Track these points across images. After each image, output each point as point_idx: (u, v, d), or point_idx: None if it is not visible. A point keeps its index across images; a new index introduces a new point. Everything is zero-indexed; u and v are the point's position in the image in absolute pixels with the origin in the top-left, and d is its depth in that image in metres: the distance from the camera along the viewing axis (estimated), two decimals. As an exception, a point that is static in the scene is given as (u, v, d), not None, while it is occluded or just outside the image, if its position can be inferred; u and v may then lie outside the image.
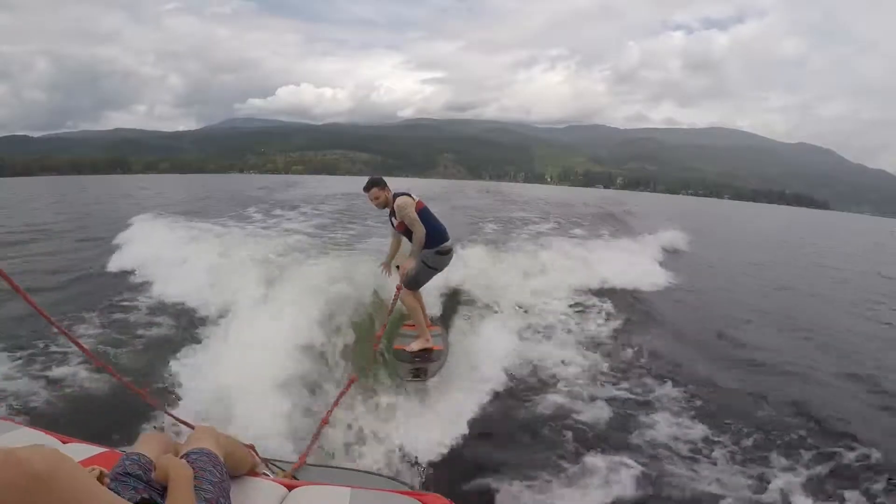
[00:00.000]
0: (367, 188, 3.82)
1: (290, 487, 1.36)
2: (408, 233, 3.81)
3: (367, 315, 4.59)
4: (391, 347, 3.95)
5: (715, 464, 3.03)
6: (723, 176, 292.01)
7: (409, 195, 3.82)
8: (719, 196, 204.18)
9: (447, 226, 3.97)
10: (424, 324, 3.93)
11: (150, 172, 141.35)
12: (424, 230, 3.64)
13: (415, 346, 3.85)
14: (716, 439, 3.30)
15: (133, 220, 9.77)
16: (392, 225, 3.97)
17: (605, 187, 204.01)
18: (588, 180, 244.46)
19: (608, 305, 6.33)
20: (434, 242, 3.78)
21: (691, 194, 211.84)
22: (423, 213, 3.78)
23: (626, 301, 6.77)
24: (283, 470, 1.64)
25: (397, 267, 4.03)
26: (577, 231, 12.21)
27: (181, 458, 1.21)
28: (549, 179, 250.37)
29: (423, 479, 2.73)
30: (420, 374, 3.53)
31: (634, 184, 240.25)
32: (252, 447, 1.69)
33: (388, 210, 3.87)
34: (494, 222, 12.96)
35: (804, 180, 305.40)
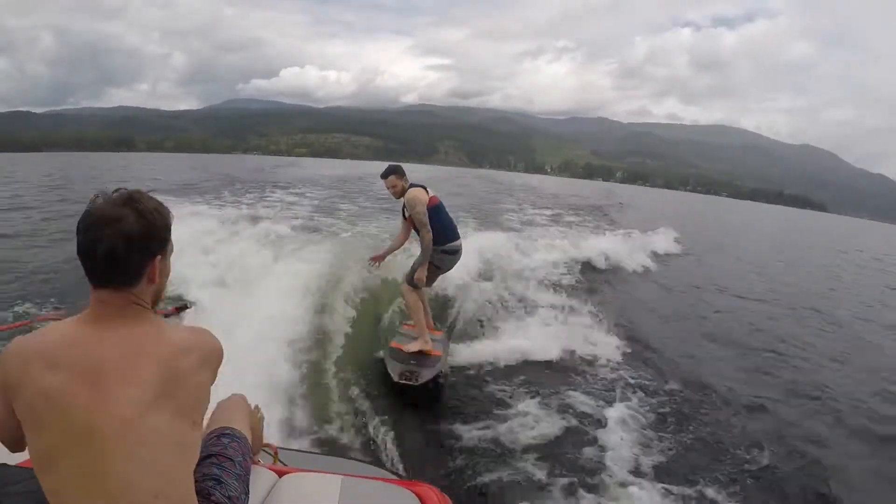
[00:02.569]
0: (384, 175, 3.69)
1: (280, 474, 1.32)
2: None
3: (360, 300, 4.52)
4: (388, 345, 3.82)
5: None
6: (723, 174, 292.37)
7: (424, 188, 3.66)
8: (717, 193, 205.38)
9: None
10: (424, 324, 3.75)
11: (156, 151, 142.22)
12: (431, 235, 3.52)
13: (412, 346, 3.65)
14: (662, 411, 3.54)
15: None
16: (403, 216, 3.83)
17: (605, 180, 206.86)
18: (588, 173, 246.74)
19: (594, 291, 6.79)
20: (441, 241, 3.62)
21: (689, 191, 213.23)
22: (436, 210, 3.63)
23: (607, 283, 7.42)
24: (272, 455, 1.58)
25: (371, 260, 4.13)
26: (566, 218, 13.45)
27: (211, 435, 1.07)
28: (548, 170, 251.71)
29: (412, 469, 2.67)
30: (411, 377, 3.36)
31: (633, 178, 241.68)
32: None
33: (402, 201, 3.73)
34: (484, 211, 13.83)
35: (804, 182, 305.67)
